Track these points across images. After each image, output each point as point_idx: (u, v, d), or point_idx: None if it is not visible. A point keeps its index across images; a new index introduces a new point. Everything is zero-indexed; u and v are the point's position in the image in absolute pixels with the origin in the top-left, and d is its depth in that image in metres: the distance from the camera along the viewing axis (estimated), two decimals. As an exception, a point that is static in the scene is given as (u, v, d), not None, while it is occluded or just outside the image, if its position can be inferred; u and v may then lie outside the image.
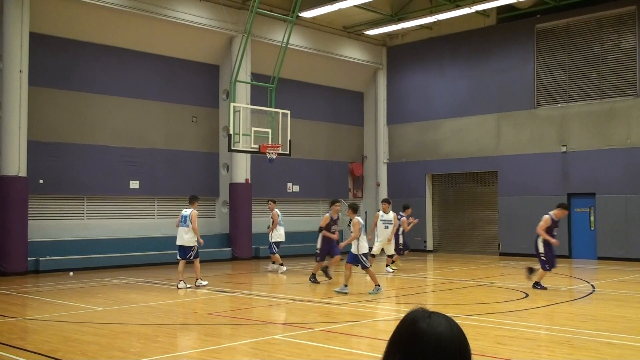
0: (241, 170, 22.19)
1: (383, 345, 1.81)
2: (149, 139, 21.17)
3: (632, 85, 21.15)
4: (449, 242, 25.86)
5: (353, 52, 26.21)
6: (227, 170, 22.59)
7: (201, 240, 14.54)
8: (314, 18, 23.69)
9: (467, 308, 11.51)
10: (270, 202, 18.55)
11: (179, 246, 14.60)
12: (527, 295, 12.94)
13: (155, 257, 19.94)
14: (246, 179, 22.28)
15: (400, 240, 18.61)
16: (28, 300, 13.32)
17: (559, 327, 9.40)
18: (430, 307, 1.81)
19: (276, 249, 17.97)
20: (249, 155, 21.53)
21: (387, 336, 1.82)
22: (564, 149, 22.27)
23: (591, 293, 13.52)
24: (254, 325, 9.89)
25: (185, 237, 14.41)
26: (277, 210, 18.22)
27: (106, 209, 20.20)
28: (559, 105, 22.57)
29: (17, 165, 17.15)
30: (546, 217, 13.99)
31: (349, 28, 25.53)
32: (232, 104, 18.27)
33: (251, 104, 20.42)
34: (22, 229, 17.20)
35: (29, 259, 17.35)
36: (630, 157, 20.88)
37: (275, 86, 19.48)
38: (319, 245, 15.31)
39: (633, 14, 21.14)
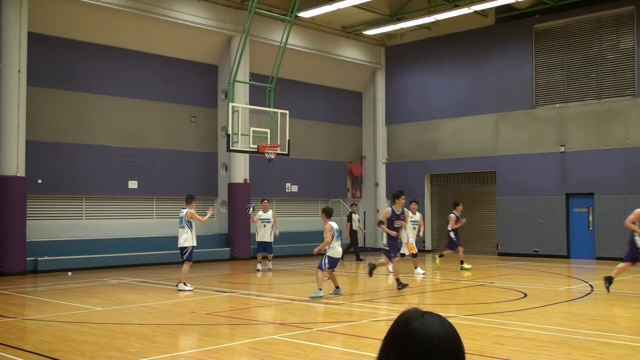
0: (240, 170, 22.18)
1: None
2: (147, 139, 21.16)
3: (630, 85, 21.16)
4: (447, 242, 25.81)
5: (352, 52, 26.21)
6: (226, 170, 22.58)
7: (203, 219, 14.61)
8: (312, 18, 23.69)
9: (465, 308, 11.51)
10: (265, 201, 18.60)
11: (179, 247, 14.53)
12: (525, 295, 12.95)
13: (153, 257, 19.94)
14: (245, 179, 22.28)
15: (452, 236, 18.57)
16: (26, 300, 13.31)
17: (557, 327, 9.40)
18: (429, 308, 1.82)
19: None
20: (247, 155, 21.53)
21: (385, 336, 1.82)
22: (562, 149, 22.28)
23: (590, 293, 13.52)
24: (253, 325, 9.88)
25: (180, 238, 14.39)
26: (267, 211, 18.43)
27: (105, 209, 20.19)
28: (558, 105, 22.58)
29: (15, 165, 17.14)
30: (637, 210, 13.40)
31: (347, 28, 25.54)
32: (230, 104, 18.27)
33: (250, 104, 20.40)
34: (21, 229, 17.19)
35: (27, 259, 17.34)
36: (629, 157, 20.89)
37: (274, 86, 19.48)
38: (384, 240, 13.95)
39: (632, 14, 21.16)
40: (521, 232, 22.91)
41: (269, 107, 19.17)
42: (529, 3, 22.95)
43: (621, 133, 21.18)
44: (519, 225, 23.02)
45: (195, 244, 14.42)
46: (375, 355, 1.81)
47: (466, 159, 24.71)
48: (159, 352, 7.81)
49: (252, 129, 18.49)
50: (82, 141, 19.63)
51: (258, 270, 18.18)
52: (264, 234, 18.11)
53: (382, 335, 1.83)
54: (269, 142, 18.46)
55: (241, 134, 18.18)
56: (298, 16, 21.53)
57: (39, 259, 17.70)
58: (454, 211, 18.91)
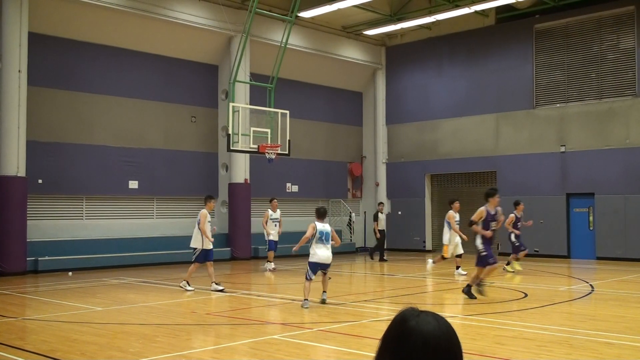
0: (240, 170, 22.19)
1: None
2: (148, 139, 21.16)
3: (631, 85, 21.16)
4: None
5: (352, 52, 26.21)
6: (226, 170, 22.58)
7: (210, 240, 13.79)
8: (313, 18, 23.69)
9: (466, 308, 11.51)
10: (275, 200, 18.69)
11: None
12: (526, 295, 12.95)
13: (154, 257, 19.95)
14: (245, 179, 22.28)
15: (512, 239, 17.56)
16: (27, 300, 13.31)
17: (558, 327, 9.40)
18: (430, 308, 1.82)
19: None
20: (248, 155, 21.53)
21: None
22: (562, 149, 22.28)
23: (590, 293, 13.52)
24: (253, 325, 9.88)
25: (193, 238, 13.99)
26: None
27: (105, 209, 20.19)
28: (558, 105, 22.58)
29: (16, 165, 17.14)
30: None
31: (348, 28, 25.53)
32: (231, 104, 18.27)
33: (250, 104, 20.40)
34: (21, 229, 17.19)
35: (27, 259, 17.34)
36: (629, 157, 20.89)
37: (274, 86, 19.47)
38: (480, 245, 12.35)
39: (632, 14, 21.15)
40: (522, 232, 22.86)
41: (270, 107, 19.16)
42: (529, 3, 22.95)
43: (621, 133, 21.18)
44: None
45: (205, 247, 13.78)
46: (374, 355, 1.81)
47: (466, 159, 24.70)
48: (159, 352, 7.81)
49: (252, 129, 18.49)
50: (83, 141, 19.63)
51: (272, 270, 18.03)
52: (275, 233, 18.16)
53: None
54: (269, 142, 18.46)
55: (241, 134, 18.17)
56: (298, 16, 21.53)
57: (39, 259, 17.70)
58: (514, 211, 17.64)
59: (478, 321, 9.90)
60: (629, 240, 20.69)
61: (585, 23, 22.14)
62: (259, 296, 13.48)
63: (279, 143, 18.65)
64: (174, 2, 20.60)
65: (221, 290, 13.53)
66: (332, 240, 11.67)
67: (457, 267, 16.89)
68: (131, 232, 20.52)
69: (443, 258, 17.03)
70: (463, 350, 1.78)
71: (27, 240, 17.41)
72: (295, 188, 25.34)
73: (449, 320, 1.80)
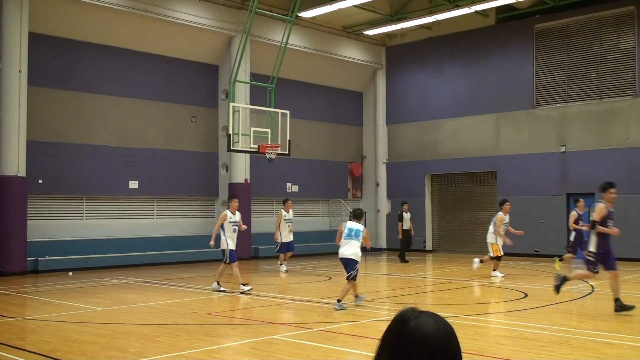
0: (240, 170, 22.19)
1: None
2: (148, 139, 21.17)
3: (631, 85, 21.16)
4: (448, 242, 25.87)
5: (352, 52, 26.21)
6: (227, 170, 22.58)
7: (211, 243, 13.87)
8: (313, 18, 23.69)
9: (466, 308, 11.51)
10: (289, 201, 18.52)
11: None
12: (526, 295, 12.95)
13: (154, 257, 19.96)
14: (245, 179, 22.28)
15: (571, 237, 17.30)
16: (27, 300, 13.31)
17: (558, 327, 9.40)
18: (430, 308, 1.82)
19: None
20: (248, 155, 21.53)
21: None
22: (563, 149, 22.28)
23: (590, 293, 13.52)
24: (254, 325, 9.88)
25: (220, 241, 13.78)
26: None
27: (105, 209, 20.20)
28: (558, 105, 22.58)
29: (16, 165, 17.15)
30: None
31: (348, 28, 25.53)
32: (231, 104, 18.27)
33: (250, 104, 20.40)
34: (21, 229, 17.20)
35: (28, 259, 17.35)
36: (630, 157, 20.89)
37: (275, 86, 19.47)
38: (592, 248, 10.99)
39: (632, 14, 21.15)
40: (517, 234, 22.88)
41: (270, 107, 19.16)
42: (529, 3, 22.95)
43: (622, 133, 21.18)
44: (520, 225, 22.95)
45: (229, 247, 13.60)
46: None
47: (467, 159, 24.71)
48: (159, 352, 7.81)
49: (252, 129, 18.49)
50: (83, 141, 19.64)
51: (285, 271, 17.70)
52: (289, 234, 17.96)
53: (382, 335, 1.83)
54: (269, 142, 18.46)
55: (242, 134, 18.17)
56: (299, 16, 21.53)
57: (39, 259, 17.70)
58: (575, 208, 17.35)
59: (478, 321, 9.90)
60: (629, 240, 20.68)
61: (585, 23, 22.14)
62: (259, 296, 13.47)
63: (279, 143, 18.65)
64: (174, 2, 20.61)
65: (248, 291, 13.29)
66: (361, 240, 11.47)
67: (494, 270, 16.37)
68: (131, 232, 20.52)
69: (497, 258, 16.32)
70: (463, 351, 1.79)
71: (27, 240, 17.41)
72: (295, 188, 25.34)
73: (449, 320, 1.81)
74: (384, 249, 26.55)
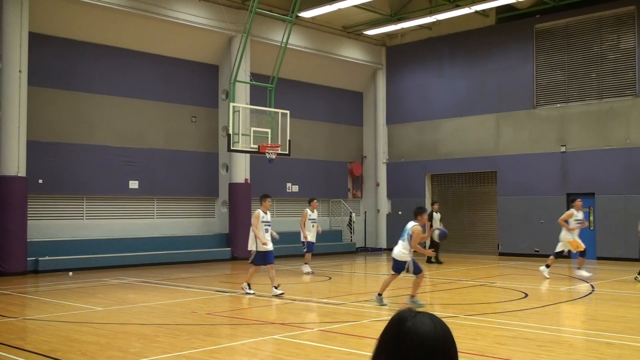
0: (240, 170, 22.19)
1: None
2: (148, 139, 21.17)
3: (631, 85, 21.16)
4: (448, 242, 25.79)
5: (352, 52, 26.21)
6: (227, 170, 22.59)
7: (263, 241, 12.82)
8: (313, 18, 23.69)
9: (466, 308, 11.50)
10: (315, 200, 18.27)
11: None
12: (526, 295, 12.95)
13: (154, 257, 19.95)
14: (245, 179, 22.28)
15: None
16: (27, 300, 13.31)
17: (558, 327, 9.40)
18: (430, 308, 1.82)
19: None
20: (248, 155, 21.53)
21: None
22: (563, 149, 22.28)
23: (590, 293, 13.52)
24: (254, 325, 9.88)
25: (249, 240, 13.16)
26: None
27: (105, 209, 20.20)
28: (559, 105, 22.58)
29: (16, 165, 17.15)
30: None
31: (348, 28, 25.54)
32: (231, 104, 18.27)
33: (250, 104, 20.41)
34: (22, 229, 17.19)
35: (28, 259, 17.34)
36: (630, 157, 20.89)
37: (275, 86, 19.47)
38: None
39: (632, 14, 21.15)
40: (522, 232, 22.91)
41: (270, 107, 19.16)
42: (529, 3, 22.95)
43: (622, 133, 21.18)
44: (520, 225, 23.02)
45: (257, 248, 12.88)
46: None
47: (467, 159, 24.71)
48: (159, 352, 7.81)
49: (252, 129, 18.50)
50: (83, 141, 19.64)
51: (310, 273, 17.22)
52: (314, 234, 17.68)
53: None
54: (269, 142, 18.46)
55: (242, 134, 18.17)
56: (299, 16, 21.53)
57: (39, 259, 17.70)
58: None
59: (478, 321, 9.89)
60: (629, 240, 20.65)
61: (585, 23, 22.14)
62: (259, 296, 13.47)
63: (280, 143, 18.65)
64: (174, 2, 20.61)
65: (280, 295, 12.61)
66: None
67: (579, 269, 16.05)
68: (131, 232, 20.52)
69: (582, 254, 16.12)
70: (463, 351, 1.79)
71: (28, 240, 17.41)
72: (295, 188, 25.34)
73: (449, 320, 1.81)
74: (384, 249, 26.54)
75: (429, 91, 25.86)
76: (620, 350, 8.05)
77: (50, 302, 12.37)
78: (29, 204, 17.58)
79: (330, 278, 16.48)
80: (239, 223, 22.07)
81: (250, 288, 13.11)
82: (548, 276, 15.88)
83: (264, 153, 18.38)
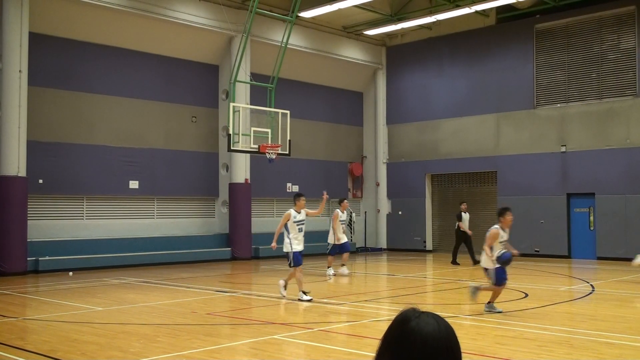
0: (241, 170, 22.19)
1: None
2: (148, 139, 21.17)
3: (631, 85, 21.16)
4: (448, 242, 25.78)
5: (352, 52, 26.21)
6: (227, 170, 22.59)
7: (273, 245, 12.79)
8: (313, 18, 23.69)
9: (466, 308, 11.50)
10: (345, 201, 18.01)
11: None
12: (526, 295, 12.95)
13: (154, 257, 19.95)
14: (246, 179, 22.28)
15: None
16: (27, 300, 13.31)
17: (558, 327, 9.40)
18: (431, 308, 1.82)
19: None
20: (248, 155, 21.53)
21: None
22: (563, 149, 22.28)
23: (591, 293, 13.51)
24: (254, 325, 9.88)
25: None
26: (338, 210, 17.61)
27: (106, 209, 20.19)
28: (559, 105, 22.58)
29: (16, 165, 17.15)
30: None
31: (348, 28, 25.53)
32: (231, 104, 18.26)
33: (251, 104, 20.41)
34: (22, 229, 17.20)
35: (28, 259, 17.35)
36: (630, 157, 20.89)
37: (275, 86, 19.47)
38: None
39: (632, 14, 21.15)
40: (522, 232, 22.89)
41: (270, 107, 19.16)
42: (529, 3, 22.95)
43: (622, 133, 21.18)
44: (520, 225, 22.97)
45: (293, 249, 12.66)
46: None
47: (467, 159, 24.70)
48: (160, 352, 7.81)
49: (253, 129, 18.49)
50: (83, 141, 19.64)
51: (340, 274, 16.82)
52: (343, 236, 17.41)
53: (383, 336, 1.83)
54: (269, 142, 18.45)
55: (242, 134, 18.16)
56: (299, 16, 21.53)
57: (40, 259, 17.70)
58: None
59: (478, 321, 9.89)
60: (629, 240, 20.68)
61: (585, 23, 22.14)
62: (259, 296, 13.47)
63: (280, 143, 18.64)
64: (174, 2, 20.61)
65: (309, 300, 12.07)
66: None
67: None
68: (131, 232, 20.52)
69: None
70: (464, 350, 1.79)
71: (28, 240, 17.41)
72: (295, 188, 25.31)
73: (450, 320, 1.81)
74: (384, 249, 26.55)
75: (429, 91, 25.85)
76: (620, 350, 8.05)
77: (50, 302, 12.37)
78: (29, 204, 17.58)
79: (330, 278, 16.47)
80: (239, 223, 22.08)
81: (306, 294, 12.26)
82: None
83: (264, 153, 18.37)
